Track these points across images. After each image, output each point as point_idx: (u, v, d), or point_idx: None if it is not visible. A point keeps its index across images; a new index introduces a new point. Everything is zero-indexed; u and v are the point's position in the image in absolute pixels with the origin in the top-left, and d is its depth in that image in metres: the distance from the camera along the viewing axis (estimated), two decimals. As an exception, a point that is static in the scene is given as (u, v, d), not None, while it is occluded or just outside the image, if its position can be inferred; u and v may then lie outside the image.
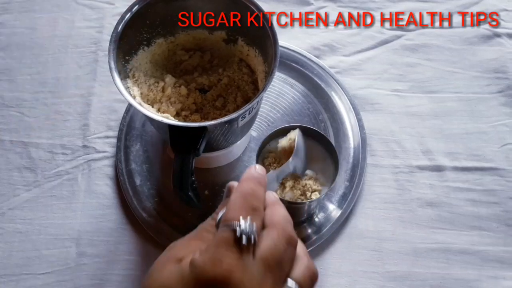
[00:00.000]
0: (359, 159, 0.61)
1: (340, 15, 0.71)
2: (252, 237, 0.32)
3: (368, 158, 0.61)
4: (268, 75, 0.46)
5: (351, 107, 0.64)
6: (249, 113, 0.48)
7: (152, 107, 0.50)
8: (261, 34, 0.49)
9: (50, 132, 0.63)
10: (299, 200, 0.51)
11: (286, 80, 0.67)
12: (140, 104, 0.46)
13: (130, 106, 0.64)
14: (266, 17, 0.47)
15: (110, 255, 0.56)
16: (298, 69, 0.67)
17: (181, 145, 0.44)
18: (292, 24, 0.71)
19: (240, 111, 0.44)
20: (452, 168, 0.61)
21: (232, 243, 0.32)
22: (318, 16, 0.71)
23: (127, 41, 0.48)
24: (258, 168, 0.39)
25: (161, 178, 0.60)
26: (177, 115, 0.52)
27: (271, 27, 0.47)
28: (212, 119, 0.53)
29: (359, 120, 0.63)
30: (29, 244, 0.57)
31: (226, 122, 0.44)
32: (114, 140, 0.62)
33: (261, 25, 0.47)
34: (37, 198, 0.59)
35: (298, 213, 0.56)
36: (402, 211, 0.59)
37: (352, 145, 0.62)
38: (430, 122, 0.64)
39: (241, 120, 0.48)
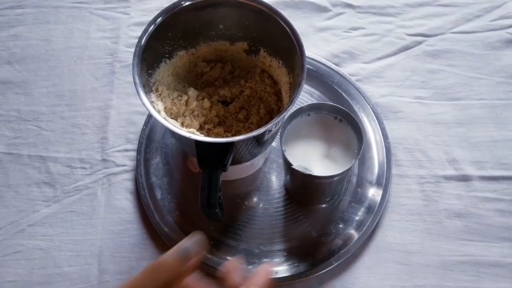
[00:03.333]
0: (384, 169, 0.59)
1: (359, 21, 0.70)
2: None
3: (393, 168, 0.60)
4: (296, 87, 0.45)
5: (374, 116, 0.63)
6: (275, 126, 0.47)
7: (176, 121, 0.49)
8: (285, 45, 0.48)
9: (68, 146, 0.62)
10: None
11: (305, 89, 0.65)
12: (165, 119, 0.45)
13: (149, 118, 0.62)
14: (292, 28, 0.46)
15: (133, 272, 0.55)
16: (318, 77, 0.66)
17: (208, 160, 0.43)
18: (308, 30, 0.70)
19: (268, 125, 0.43)
20: (479, 177, 0.59)
21: None
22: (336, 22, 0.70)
23: (150, 54, 0.47)
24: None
25: (182, 191, 0.59)
26: (200, 129, 0.51)
27: (298, 39, 0.46)
28: (236, 132, 0.52)
29: (383, 129, 0.62)
30: (50, 261, 0.56)
31: (254, 136, 0.43)
32: (134, 153, 0.61)
33: (288, 36, 0.46)
34: (57, 214, 0.58)
35: (321, 190, 0.56)
36: (430, 222, 0.57)
37: (376, 155, 0.61)
38: (455, 130, 0.62)
39: (268, 134, 0.47)
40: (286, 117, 0.48)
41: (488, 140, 0.61)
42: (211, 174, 0.43)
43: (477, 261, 0.55)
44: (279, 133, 0.51)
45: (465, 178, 0.59)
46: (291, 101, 0.44)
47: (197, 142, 0.42)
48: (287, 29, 0.47)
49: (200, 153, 0.43)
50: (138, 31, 0.69)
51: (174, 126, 0.43)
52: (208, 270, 0.54)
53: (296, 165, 0.49)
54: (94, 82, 0.66)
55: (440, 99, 0.64)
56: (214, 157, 0.43)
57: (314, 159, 0.51)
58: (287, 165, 0.50)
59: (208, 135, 0.51)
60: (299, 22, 0.70)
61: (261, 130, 0.43)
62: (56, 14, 0.72)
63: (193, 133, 0.47)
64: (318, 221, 0.57)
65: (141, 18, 0.71)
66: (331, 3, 0.71)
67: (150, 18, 0.69)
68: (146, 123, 0.62)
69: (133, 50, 0.46)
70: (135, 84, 0.43)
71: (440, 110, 0.64)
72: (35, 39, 0.70)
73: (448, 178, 0.59)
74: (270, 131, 0.46)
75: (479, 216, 0.57)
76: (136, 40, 0.46)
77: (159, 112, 0.46)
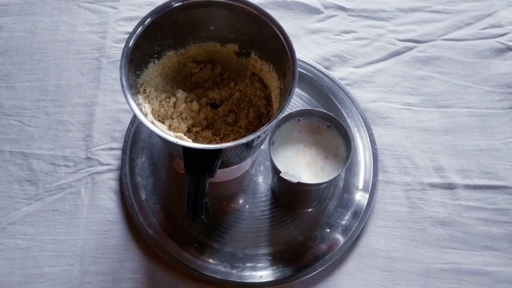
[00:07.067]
0: (371, 175, 0.60)
1: (351, 24, 0.70)
2: None
3: (379, 174, 0.60)
4: (287, 94, 0.44)
5: (362, 122, 0.63)
6: (265, 133, 0.46)
7: (163, 123, 0.48)
8: (277, 50, 0.47)
9: (52, 143, 0.61)
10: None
11: (295, 92, 0.65)
12: (152, 122, 0.44)
13: (135, 117, 0.61)
14: (285, 34, 0.45)
15: (115, 273, 0.54)
16: (308, 80, 0.66)
17: (196, 167, 0.42)
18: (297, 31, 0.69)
19: (258, 132, 0.43)
20: (464, 186, 0.60)
21: None
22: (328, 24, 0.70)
23: (139, 54, 0.46)
24: None
25: (167, 193, 0.59)
26: (188, 132, 0.50)
27: (290, 45, 0.45)
28: (224, 135, 0.51)
29: (371, 135, 0.62)
30: (30, 260, 0.55)
31: (243, 143, 0.42)
32: (119, 152, 0.60)
33: (280, 42, 0.45)
34: (38, 213, 0.57)
35: (308, 196, 0.56)
36: (414, 230, 0.57)
37: (363, 160, 0.61)
38: (442, 138, 0.63)
39: (257, 140, 0.46)
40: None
41: (474, 149, 0.62)
42: (198, 181, 0.42)
43: (459, 269, 0.56)
44: (268, 137, 0.51)
45: (450, 186, 0.60)
46: (281, 108, 0.44)
47: (185, 148, 0.42)
48: (279, 34, 0.46)
49: (188, 159, 0.42)
50: (127, 26, 0.69)
51: (161, 130, 0.42)
52: (192, 273, 0.54)
53: (284, 171, 0.49)
54: (80, 77, 0.65)
55: (429, 106, 0.65)
56: (201, 163, 0.42)
57: (302, 165, 0.51)
58: (275, 171, 0.50)
59: (196, 138, 0.50)
60: (291, 23, 0.69)
61: (251, 137, 0.42)
62: (42, 6, 0.70)
63: (180, 137, 0.46)
64: (304, 225, 0.57)
65: (130, 13, 0.69)
66: (323, 5, 0.71)
67: (139, 13, 0.69)
68: (132, 122, 0.61)
69: (120, 45, 0.45)
70: (122, 87, 0.42)
71: (428, 117, 0.64)
72: (20, 31, 0.68)
73: (433, 185, 0.60)
74: (259, 137, 0.46)
75: (462, 224, 0.58)
76: (124, 36, 0.45)
77: (146, 115, 0.45)
